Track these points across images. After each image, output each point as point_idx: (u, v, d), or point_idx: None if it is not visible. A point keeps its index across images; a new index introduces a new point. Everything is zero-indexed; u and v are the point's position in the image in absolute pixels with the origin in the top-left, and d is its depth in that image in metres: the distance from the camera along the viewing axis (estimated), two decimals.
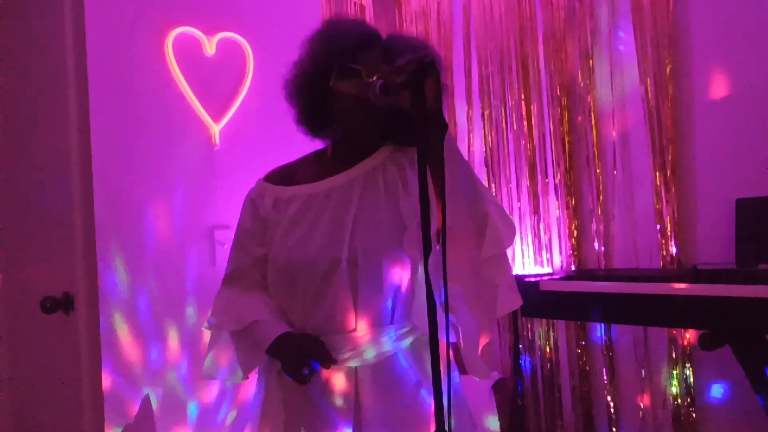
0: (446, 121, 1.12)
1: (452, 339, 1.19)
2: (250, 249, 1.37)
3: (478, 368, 1.17)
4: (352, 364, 1.25)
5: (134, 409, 2.10)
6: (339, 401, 1.25)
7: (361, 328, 1.25)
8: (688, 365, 2.32)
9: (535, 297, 2.21)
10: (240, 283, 1.38)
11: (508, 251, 1.26)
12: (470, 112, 2.98)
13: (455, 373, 1.33)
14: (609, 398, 2.53)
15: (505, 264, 1.21)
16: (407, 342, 1.28)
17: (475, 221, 1.13)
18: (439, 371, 0.99)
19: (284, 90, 1.36)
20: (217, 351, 1.39)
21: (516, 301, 1.24)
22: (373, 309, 1.25)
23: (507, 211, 2.49)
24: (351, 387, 1.25)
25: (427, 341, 1.10)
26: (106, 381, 2.04)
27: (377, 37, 1.32)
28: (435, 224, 1.06)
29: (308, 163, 1.41)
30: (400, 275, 1.25)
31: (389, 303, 1.26)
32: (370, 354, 1.25)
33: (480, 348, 1.15)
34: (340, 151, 1.35)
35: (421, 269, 1.11)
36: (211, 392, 2.27)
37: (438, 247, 1.03)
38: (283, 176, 1.39)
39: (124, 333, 2.09)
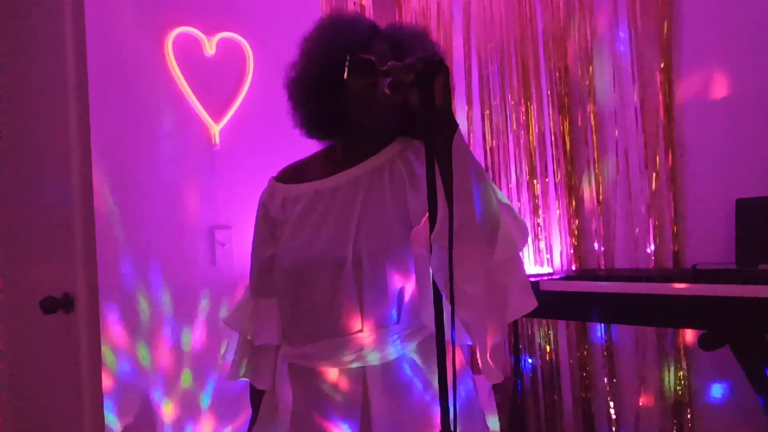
0: (456, 120, 1.10)
1: (468, 341, 1.18)
2: (261, 254, 1.37)
3: (489, 371, 1.14)
4: (357, 365, 1.24)
5: (134, 409, 2.10)
6: (344, 401, 1.24)
7: (366, 329, 1.22)
8: (687, 365, 2.32)
9: (536, 297, 2.21)
10: (258, 293, 1.39)
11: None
12: (470, 112, 2.98)
13: (468, 377, 1.32)
14: (609, 398, 2.52)
15: (518, 267, 1.16)
16: (414, 343, 1.26)
17: (486, 224, 1.09)
18: (445, 373, 0.97)
19: (290, 95, 1.31)
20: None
21: (530, 304, 1.18)
22: (378, 310, 1.23)
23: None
24: (359, 389, 1.24)
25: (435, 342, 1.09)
26: (106, 381, 2.04)
27: (379, 29, 1.31)
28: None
29: (319, 159, 1.38)
30: (406, 276, 1.23)
31: (395, 304, 1.24)
32: (374, 356, 1.23)
33: (488, 350, 1.12)
34: (352, 146, 1.32)
35: (428, 268, 1.09)
36: (210, 394, 2.27)
37: (444, 248, 1.01)
38: (293, 174, 1.37)
39: (124, 333, 2.09)
